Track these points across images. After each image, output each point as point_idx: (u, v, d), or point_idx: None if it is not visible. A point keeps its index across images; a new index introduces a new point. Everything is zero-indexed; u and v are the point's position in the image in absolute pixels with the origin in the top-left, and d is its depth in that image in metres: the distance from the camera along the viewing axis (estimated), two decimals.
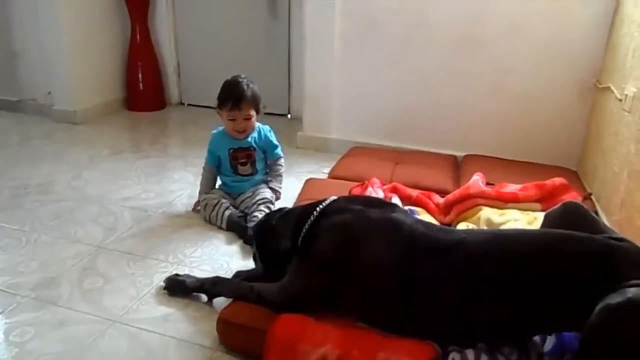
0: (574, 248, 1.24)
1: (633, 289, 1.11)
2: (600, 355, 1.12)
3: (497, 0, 2.64)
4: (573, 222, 1.38)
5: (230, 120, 2.19)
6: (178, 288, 1.69)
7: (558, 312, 1.22)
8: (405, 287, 1.33)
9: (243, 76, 2.21)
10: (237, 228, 2.09)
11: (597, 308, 1.11)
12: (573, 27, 2.57)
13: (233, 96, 2.15)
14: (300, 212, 1.58)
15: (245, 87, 2.16)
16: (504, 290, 1.25)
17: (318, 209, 1.51)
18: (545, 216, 1.52)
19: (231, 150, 2.24)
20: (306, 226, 1.49)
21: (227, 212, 2.14)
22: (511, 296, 1.24)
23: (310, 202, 1.62)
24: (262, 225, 1.69)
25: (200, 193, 2.28)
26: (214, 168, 2.29)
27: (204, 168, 2.31)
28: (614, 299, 1.10)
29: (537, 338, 1.35)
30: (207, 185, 2.29)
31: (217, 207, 2.15)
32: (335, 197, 1.56)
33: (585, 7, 2.52)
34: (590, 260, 1.21)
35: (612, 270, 1.17)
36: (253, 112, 2.21)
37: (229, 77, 2.23)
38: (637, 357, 1.08)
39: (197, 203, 2.28)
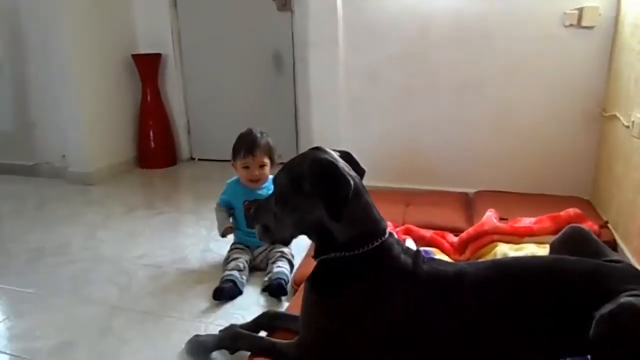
0: (569, 269, 1.29)
1: (623, 297, 1.15)
2: None
3: (495, 42, 2.69)
4: (574, 246, 1.44)
5: (244, 168, 2.20)
6: (199, 349, 1.63)
7: (560, 335, 1.22)
8: (412, 331, 1.30)
9: (257, 128, 2.25)
10: (223, 294, 1.98)
11: (594, 321, 1.13)
12: (573, 61, 2.61)
13: (246, 143, 2.18)
14: None
15: (258, 135, 2.20)
16: (507, 315, 1.25)
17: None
18: (550, 245, 1.56)
19: (246, 202, 2.23)
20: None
21: (227, 282, 2.02)
22: (514, 321, 1.24)
23: None
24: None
25: (219, 228, 2.22)
26: (226, 207, 2.27)
27: (216, 208, 2.27)
28: (607, 308, 1.13)
29: None
30: (225, 218, 2.24)
31: (227, 268, 2.12)
32: None
33: (583, 41, 2.56)
34: (584, 279, 1.24)
35: (605, 287, 1.20)
36: (267, 161, 2.20)
37: (237, 130, 2.26)
38: None
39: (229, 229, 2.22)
